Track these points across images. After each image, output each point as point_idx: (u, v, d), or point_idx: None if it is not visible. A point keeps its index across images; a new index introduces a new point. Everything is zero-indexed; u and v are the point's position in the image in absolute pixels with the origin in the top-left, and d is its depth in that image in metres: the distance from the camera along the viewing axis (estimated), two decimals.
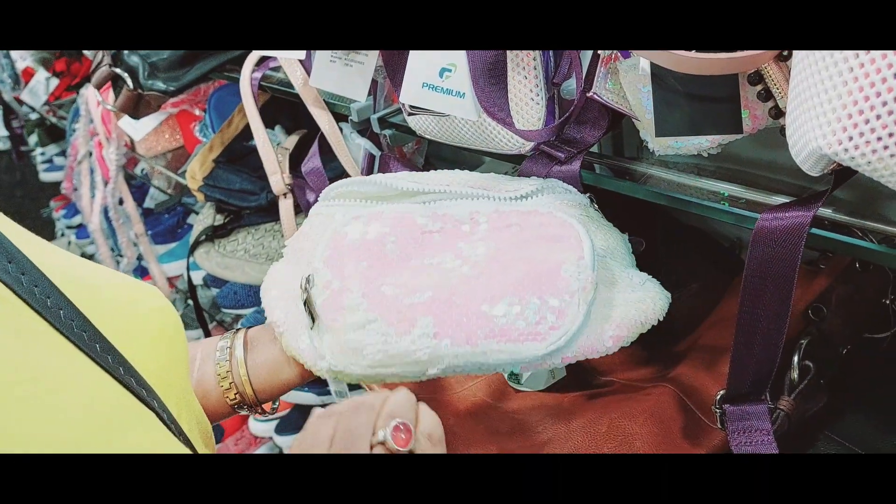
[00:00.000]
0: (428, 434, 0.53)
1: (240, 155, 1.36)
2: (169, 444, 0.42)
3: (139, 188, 2.17)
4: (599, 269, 0.62)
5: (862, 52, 0.39)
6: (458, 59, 0.57)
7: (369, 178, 0.71)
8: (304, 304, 0.63)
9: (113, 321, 0.44)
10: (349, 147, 0.93)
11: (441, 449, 0.53)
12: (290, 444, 0.60)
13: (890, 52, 0.38)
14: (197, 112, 1.64)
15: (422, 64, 0.56)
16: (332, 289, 0.63)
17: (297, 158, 1.03)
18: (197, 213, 1.84)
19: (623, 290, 0.63)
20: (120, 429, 0.39)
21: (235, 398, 0.67)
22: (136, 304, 0.49)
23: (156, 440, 0.41)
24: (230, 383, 0.67)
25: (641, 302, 0.62)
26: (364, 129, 0.90)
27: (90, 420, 0.38)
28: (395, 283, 0.61)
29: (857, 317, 0.71)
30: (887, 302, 0.71)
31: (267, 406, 0.70)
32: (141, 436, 0.40)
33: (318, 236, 0.69)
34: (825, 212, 0.52)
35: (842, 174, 0.48)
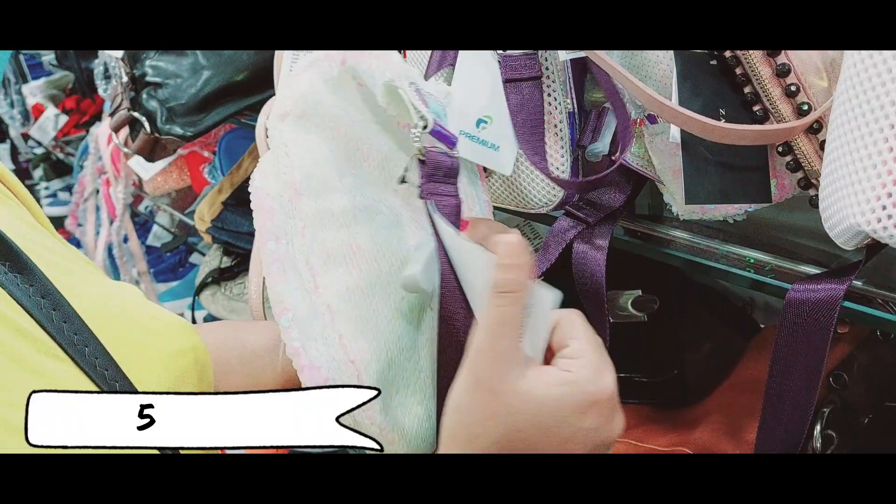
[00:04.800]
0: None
1: (249, 198, 1.36)
2: None
3: (142, 225, 2.17)
4: None
5: None
6: (493, 112, 0.58)
7: None
8: None
9: (139, 356, 0.46)
10: None
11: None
12: None
13: None
14: (206, 154, 1.65)
15: (459, 112, 0.56)
16: None
17: None
18: (200, 252, 1.83)
19: None
20: None
21: None
22: (168, 341, 0.50)
23: None
24: None
25: None
26: None
27: None
28: None
29: (878, 385, 0.71)
30: None
31: None
32: None
33: None
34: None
35: (874, 247, 0.48)
